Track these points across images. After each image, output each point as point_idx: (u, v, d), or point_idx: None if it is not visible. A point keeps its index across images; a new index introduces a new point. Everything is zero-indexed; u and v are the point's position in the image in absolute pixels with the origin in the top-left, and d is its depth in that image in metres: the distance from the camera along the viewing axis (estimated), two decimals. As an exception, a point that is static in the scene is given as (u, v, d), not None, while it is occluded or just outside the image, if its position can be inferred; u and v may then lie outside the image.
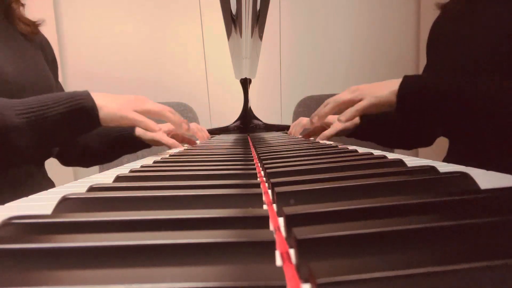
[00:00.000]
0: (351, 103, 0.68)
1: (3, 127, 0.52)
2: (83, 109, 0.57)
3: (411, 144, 0.90)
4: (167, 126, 0.83)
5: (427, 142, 0.89)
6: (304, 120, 0.92)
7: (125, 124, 0.62)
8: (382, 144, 0.87)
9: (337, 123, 0.75)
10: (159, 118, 0.67)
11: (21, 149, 0.55)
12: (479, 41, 0.64)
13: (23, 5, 0.76)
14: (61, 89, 0.88)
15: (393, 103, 0.62)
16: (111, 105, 0.60)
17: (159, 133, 0.70)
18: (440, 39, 0.79)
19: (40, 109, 0.55)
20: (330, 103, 0.72)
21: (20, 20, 0.74)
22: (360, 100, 0.67)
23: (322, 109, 0.73)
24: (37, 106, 0.55)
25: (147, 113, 0.64)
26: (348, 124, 0.78)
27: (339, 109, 0.71)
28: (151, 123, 0.63)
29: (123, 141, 0.82)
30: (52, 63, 0.84)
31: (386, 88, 0.63)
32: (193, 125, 0.96)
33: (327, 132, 0.79)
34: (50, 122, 0.55)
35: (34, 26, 0.77)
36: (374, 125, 0.84)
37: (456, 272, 0.12)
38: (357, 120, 0.82)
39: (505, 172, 0.31)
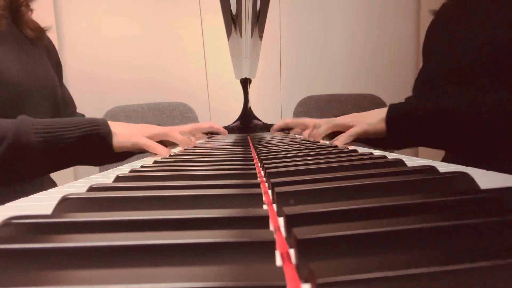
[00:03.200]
0: (342, 127, 0.74)
1: (17, 143, 0.53)
2: (99, 135, 0.59)
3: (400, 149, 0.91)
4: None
5: (419, 146, 0.91)
6: (287, 120, 0.97)
7: (136, 149, 0.66)
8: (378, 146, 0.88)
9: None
10: (168, 140, 0.72)
11: (32, 166, 0.56)
12: (470, 45, 0.65)
13: (31, 10, 0.76)
14: (66, 92, 0.89)
15: (383, 130, 0.67)
16: (123, 132, 0.64)
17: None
18: (433, 44, 0.80)
19: (58, 130, 0.57)
20: (325, 124, 0.77)
21: (27, 25, 0.74)
22: (351, 126, 0.72)
23: (317, 130, 0.78)
24: (56, 128, 0.57)
25: (155, 137, 0.69)
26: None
27: (332, 131, 0.77)
28: (160, 147, 0.66)
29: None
30: (56, 65, 0.85)
31: (376, 116, 0.69)
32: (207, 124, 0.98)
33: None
34: (65, 145, 0.57)
35: (41, 31, 0.78)
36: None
37: (456, 272, 0.12)
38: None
39: (505, 172, 0.31)
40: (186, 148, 0.74)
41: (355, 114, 0.76)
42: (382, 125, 0.67)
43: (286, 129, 1.08)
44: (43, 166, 0.58)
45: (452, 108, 0.61)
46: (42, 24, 0.81)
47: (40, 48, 0.79)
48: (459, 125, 0.61)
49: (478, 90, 0.63)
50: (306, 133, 0.85)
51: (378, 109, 0.71)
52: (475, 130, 0.60)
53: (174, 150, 0.76)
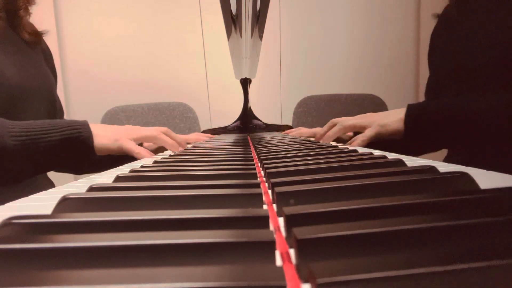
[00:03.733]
0: (356, 128, 0.71)
1: None
2: (79, 138, 0.57)
3: (418, 153, 0.90)
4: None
5: (435, 150, 0.89)
6: (303, 130, 0.94)
7: (121, 153, 0.62)
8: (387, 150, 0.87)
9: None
10: (156, 143, 0.69)
11: (11, 171, 0.54)
12: (477, 48, 0.65)
13: (29, 14, 0.75)
14: (59, 99, 0.88)
15: (400, 131, 0.65)
16: (107, 134, 0.61)
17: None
18: (438, 50, 0.80)
19: (36, 133, 0.55)
20: (336, 125, 0.74)
21: (24, 29, 0.74)
22: (364, 127, 0.70)
23: (327, 131, 0.76)
24: (33, 131, 0.55)
25: (143, 140, 0.66)
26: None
27: (343, 133, 0.74)
28: (145, 152, 0.63)
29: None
30: (52, 72, 0.84)
31: (392, 117, 0.66)
32: (193, 135, 0.97)
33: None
34: (44, 148, 0.55)
35: (38, 36, 0.77)
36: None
37: (456, 272, 0.12)
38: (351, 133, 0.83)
39: (505, 172, 0.31)
40: (174, 151, 0.71)
41: (369, 114, 0.73)
42: (399, 126, 0.65)
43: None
44: (24, 170, 0.56)
45: (475, 108, 0.59)
46: (42, 26, 0.81)
47: (37, 51, 0.78)
48: (482, 126, 0.58)
49: (493, 91, 0.62)
50: (318, 135, 0.82)
51: (394, 110, 0.69)
52: (498, 130, 0.58)
53: (169, 152, 0.76)
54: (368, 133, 0.68)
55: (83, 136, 0.58)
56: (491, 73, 0.62)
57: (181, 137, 0.81)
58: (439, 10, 0.82)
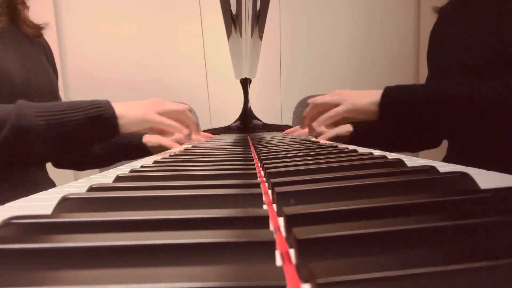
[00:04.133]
0: (329, 106, 0.70)
1: (20, 126, 0.53)
2: (101, 117, 0.58)
3: (415, 147, 0.90)
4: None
5: (432, 144, 0.89)
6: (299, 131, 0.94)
7: (148, 127, 0.64)
8: (385, 149, 0.87)
9: (329, 130, 0.76)
10: (179, 119, 0.68)
11: (36, 151, 0.55)
12: (476, 45, 0.65)
13: (27, 7, 0.76)
14: (60, 98, 0.89)
15: (371, 112, 0.64)
16: (133, 112, 0.61)
17: (166, 139, 0.71)
18: (438, 47, 0.80)
19: (60, 113, 0.56)
20: (309, 104, 0.74)
21: (24, 23, 0.75)
22: (337, 105, 0.68)
23: (306, 116, 0.76)
24: (57, 110, 0.56)
25: (169, 114, 0.66)
26: (341, 131, 0.80)
27: (317, 112, 0.73)
28: (176, 124, 0.64)
29: (129, 149, 0.83)
30: (53, 69, 0.85)
31: (365, 98, 0.65)
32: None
33: (323, 137, 0.81)
34: (68, 127, 0.56)
35: (37, 28, 0.78)
36: (368, 132, 0.84)
37: (456, 272, 0.12)
38: (349, 127, 0.83)
39: (505, 172, 0.31)
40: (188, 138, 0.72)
41: (339, 91, 0.72)
42: (370, 108, 0.64)
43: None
44: (49, 150, 0.56)
45: (455, 93, 0.59)
46: (41, 22, 0.81)
47: (38, 47, 0.79)
48: (460, 112, 0.58)
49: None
50: (302, 126, 0.83)
51: (368, 91, 0.68)
52: (477, 117, 0.57)
53: (175, 150, 0.76)
54: (337, 109, 0.67)
55: (106, 115, 0.58)
56: (489, 69, 0.62)
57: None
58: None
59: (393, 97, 0.63)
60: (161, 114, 0.64)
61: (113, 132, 0.60)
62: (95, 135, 0.59)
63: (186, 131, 0.66)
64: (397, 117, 0.63)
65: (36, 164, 0.61)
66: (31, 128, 0.53)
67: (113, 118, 0.59)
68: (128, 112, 0.61)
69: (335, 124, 0.75)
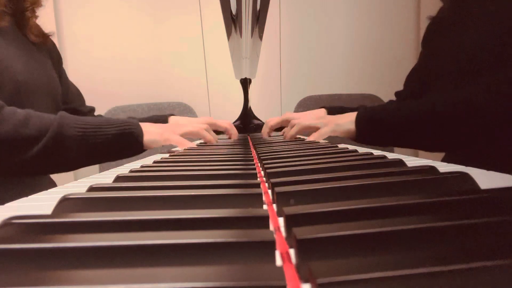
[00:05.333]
0: (311, 128, 0.80)
1: (61, 134, 0.59)
2: (131, 134, 0.65)
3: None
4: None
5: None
6: (272, 122, 0.98)
7: (167, 144, 0.71)
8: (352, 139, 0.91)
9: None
10: (195, 137, 0.79)
11: (70, 158, 0.61)
12: (464, 48, 0.66)
13: (36, 16, 0.77)
14: (72, 86, 0.92)
15: (350, 130, 0.73)
16: (155, 131, 0.69)
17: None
18: (429, 43, 0.81)
19: (96, 127, 0.63)
20: (295, 125, 0.82)
21: (31, 31, 0.76)
22: (318, 128, 0.78)
23: (289, 131, 0.84)
24: (93, 125, 0.63)
25: (186, 135, 0.75)
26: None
27: (302, 132, 0.82)
28: (191, 144, 0.73)
29: None
30: (58, 62, 0.87)
31: (345, 118, 0.75)
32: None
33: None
34: (101, 140, 0.63)
35: (44, 37, 0.80)
36: None
37: (456, 272, 0.12)
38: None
39: (505, 172, 0.31)
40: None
41: (326, 116, 0.82)
42: (350, 126, 0.72)
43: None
44: (80, 159, 0.62)
45: (416, 108, 0.65)
46: (44, 27, 0.81)
47: (42, 48, 0.79)
48: (426, 124, 0.64)
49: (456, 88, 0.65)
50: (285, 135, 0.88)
51: (348, 113, 0.76)
52: (446, 127, 0.62)
53: (176, 149, 0.76)
54: (323, 130, 0.76)
55: (135, 133, 0.66)
56: (484, 70, 0.63)
57: (209, 120, 0.89)
58: (438, 10, 0.83)
59: (364, 115, 0.71)
60: (179, 135, 0.73)
61: (138, 148, 0.67)
62: (123, 149, 0.66)
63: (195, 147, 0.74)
64: (369, 133, 0.71)
65: (66, 170, 0.66)
66: (70, 137, 0.60)
67: (140, 136, 0.66)
68: (152, 131, 0.69)
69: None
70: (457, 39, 0.69)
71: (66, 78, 0.90)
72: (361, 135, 0.71)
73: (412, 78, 0.91)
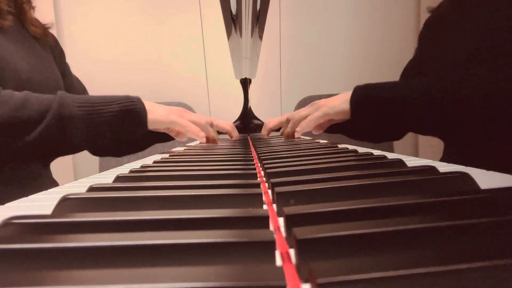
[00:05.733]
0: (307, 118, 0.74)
1: (62, 114, 0.57)
2: (134, 111, 0.62)
3: (377, 139, 0.89)
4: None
5: (395, 137, 0.89)
6: (271, 123, 0.96)
7: (172, 127, 0.68)
8: (350, 136, 0.86)
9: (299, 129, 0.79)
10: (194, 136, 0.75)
11: (74, 139, 0.59)
12: (462, 43, 0.66)
13: (33, 7, 0.77)
14: (75, 80, 0.91)
15: (345, 111, 0.68)
16: (160, 111, 0.66)
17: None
18: (428, 37, 0.81)
19: (97, 104, 0.60)
20: (290, 120, 0.78)
21: (31, 24, 0.76)
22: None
23: (286, 128, 0.79)
24: (95, 102, 0.60)
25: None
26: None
27: (298, 125, 0.77)
28: (197, 129, 0.69)
29: (158, 133, 0.84)
30: (60, 57, 0.86)
31: (338, 99, 0.70)
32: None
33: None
34: (104, 118, 0.60)
35: (44, 29, 0.79)
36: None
37: (456, 272, 0.12)
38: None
39: (505, 172, 0.31)
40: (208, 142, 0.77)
41: (315, 101, 0.76)
42: (345, 106, 0.68)
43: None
44: (84, 139, 0.60)
45: (413, 87, 0.62)
46: (43, 22, 0.81)
47: (44, 45, 0.80)
48: (421, 105, 0.61)
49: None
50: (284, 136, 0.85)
51: (341, 94, 0.71)
52: (442, 109, 0.60)
53: (177, 149, 0.76)
54: (316, 113, 0.70)
55: (138, 109, 0.63)
56: (481, 64, 0.62)
57: (211, 120, 0.87)
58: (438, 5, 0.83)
59: (361, 94, 0.67)
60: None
61: (143, 125, 0.64)
62: (127, 127, 0.63)
63: (202, 134, 0.71)
64: (366, 113, 0.66)
65: (71, 152, 0.64)
66: (72, 116, 0.57)
67: (144, 112, 0.63)
68: (156, 109, 0.65)
69: (320, 128, 0.77)
70: (456, 35, 0.69)
71: (70, 73, 0.89)
72: (356, 113, 0.67)
73: (408, 72, 0.90)
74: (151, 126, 0.65)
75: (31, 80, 0.68)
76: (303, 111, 0.76)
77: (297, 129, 0.74)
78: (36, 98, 0.57)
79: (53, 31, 0.84)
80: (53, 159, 0.79)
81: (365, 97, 0.66)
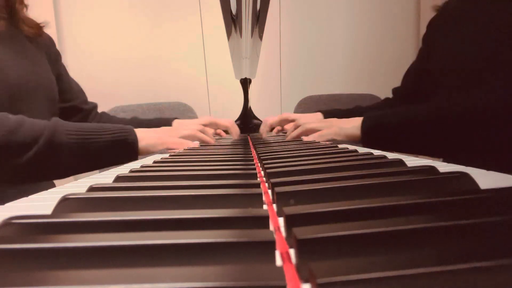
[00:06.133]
0: (314, 131, 0.79)
1: (53, 142, 0.58)
2: (126, 141, 0.64)
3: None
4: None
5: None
6: (270, 120, 0.99)
7: (164, 148, 0.71)
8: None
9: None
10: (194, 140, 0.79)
11: (64, 166, 0.60)
12: (472, 44, 0.66)
13: (26, 6, 0.76)
14: (73, 82, 0.90)
15: (357, 136, 0.73)
16: (151, 135, 0.68)
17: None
18: (433, 39, 0.81)
19: (89, 134, 0.61)
20: (299, 127, 0.82)
21: (23, 22, 0.75)
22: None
23: (293, 131, 0.84)
24: (87, 131, 0.61)
25: (186, 139, 0.74)
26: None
27: (305, 133, 0.82)
28: (187, 143, 0.72)
29: None
30: (56, 58, 0.85)
31: (350, 123, 0.75)
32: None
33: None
34: (95, 147, 0.61)
35: (38, 28, 0.78)
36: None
37: (456, 272, 0.12)
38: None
39: (505, 172, 0.31)
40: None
41: (330, 119, 0.81)
42: (356, 132, 0.72)
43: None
44: (74, 166, 0.61)
45: (420, 115, 0.65)
46: (44, 26, 0.80)
47: (38, 46, 0.78)
48: (429, 130, 0.64)
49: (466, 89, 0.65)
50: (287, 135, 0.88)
51: (352, 118, 0.76)
52: (449, 133, 0.62)
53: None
54: (326, 131, 0.75)
55: (130, 139, 0.65)
56: (486, 69, 0.63)
57: (209, 120, 0.91)
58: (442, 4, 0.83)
59: (370, 122, 0.71)
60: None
61: (134, 154, 0.66)
62: (117, 157, 0.64)
63: (197, 145, 0.74)
64: (375, 140, 0.71)
65: (59, 177, 0.65)
66: (63, 144, 0.58)
67: (135, 142, 0.65)
68: (147, 136, 0.68)
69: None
70: (462, 37, 0.69)
71: (67, 75, 0.89)
72: (367, 140, 0.71)
73: (411, 75, 0.91)
74: (142, 154, 0.67)
75: (21, 85, 0.67)
76: (314, 123, 0.80)
77: (305, 138, 0.78)
78: (30, 123, 0.58)
79: (52, 31, 0.84)
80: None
81: (376, 125, 0.70)
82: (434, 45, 0.80)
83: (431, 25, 0.85)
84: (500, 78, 0.60)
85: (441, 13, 0.82)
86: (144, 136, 0.67)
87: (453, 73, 0.70)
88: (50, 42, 0.84)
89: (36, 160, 0.57)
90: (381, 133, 0.69)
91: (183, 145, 0.71)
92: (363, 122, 0.72)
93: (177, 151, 0.71)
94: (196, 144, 0.74)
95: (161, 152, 0.71)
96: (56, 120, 0.61)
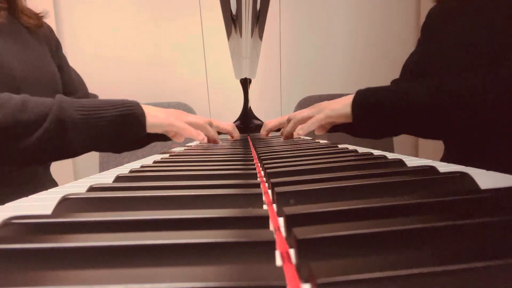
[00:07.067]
0: (308, 118, 0.75)
1: (61, 118, 0.56)
2: (133, 115, 0.62)
3: (378, 136, 0.89)
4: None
5: (396, 134, 0.90)
6: (270, 124, 0.97)
7: (170, 131, 0.68)
8: (351, 134, 0.86)
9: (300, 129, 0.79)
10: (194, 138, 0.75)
11: (73, 143, 0.58)
12: (472, 38, 0.65)
13: None
14: (74, 74, 0.89)
15: (348, 114, 0.69)
16: (158, 114, 0.66)
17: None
18: (431, 32, 0.80)
19: (96, 109, 0.60)
20: (291, 120, 0.79)
21: (23, 13, 0.74)
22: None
23: (286, 127, 0.81)
24: (94, 106, 0.60)
25: (190, 125, 0.71)
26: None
27: (299, 125, 0.78)
28: (195, 131, 0.70)
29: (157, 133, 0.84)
30: (56, 50, 0.84)
31: (340, 102, 0.71)
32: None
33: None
34: (103, 122, 0.60)
35: (37, 18, 0.77)
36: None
37: (456, 272, 0.12)
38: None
39: (505, 172, 0.31)
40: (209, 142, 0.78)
41: (317, 104, 0.77)
42: (346, 111, 0.68)
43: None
44: (83, 143, 0.60)
45: (415, 93, 0.62)
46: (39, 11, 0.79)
47: (39, 37, 0.78)
48: (423, 110, 0.61)
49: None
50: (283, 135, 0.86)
51: (343, 97, 0.72)
52: (446, 112, 0.59)
53: (177, 149, 0.76)
54: (318, 116, 0.72)
55: (137, 113, 0.62)
56: (484, 63, 0.62)
57: (212, 120, 0.86)
58: None
59: (362, 98, 0.67)
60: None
61: (142, 129, 0.64)
62: (125, 132, 0.62)
63: (201, 137, 0.71)
64: (367, 117, 0.67)
65: (70, 156, 0.63)
66: (72, 120, 0.57)
67: (143, 116, 0.63)
68: (155, 114, 0.65)
69: (323, 129, 0.78)
70: (462, 29, 0.68)
71: (67, 65, 0.88)
72: (357, 117, 0.68)
73: (410, 66, 0.90)
74: (149, 130, 0.65)
75: (26, 78, 0.67)
76: (305, 112, 0.77)
77: (299, 131, 0.75)
78: (34, 101, 0.56)
79: (51, 22, 0.82)
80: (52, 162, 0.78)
81: (366, 101, 0.67)
82: (434, 34, 0.79)
83: (431, 14, 0.84)
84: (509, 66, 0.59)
85: (441, 3, 0.81)
86: (152, 113, 0.65)
87: (454, 61, 0.69)
88: (49, 31, 0.83)
89: (46, 137, 0.55)
90: (374, 107, 0.65)
91: (188, 131, 0.68)
92: (354, 98, 0.68)
93: (177, 151, 0.71)
94: (198, 136, 0.71)
95: (162, 150, 0.71)
96: (61, 96, 0.59)
